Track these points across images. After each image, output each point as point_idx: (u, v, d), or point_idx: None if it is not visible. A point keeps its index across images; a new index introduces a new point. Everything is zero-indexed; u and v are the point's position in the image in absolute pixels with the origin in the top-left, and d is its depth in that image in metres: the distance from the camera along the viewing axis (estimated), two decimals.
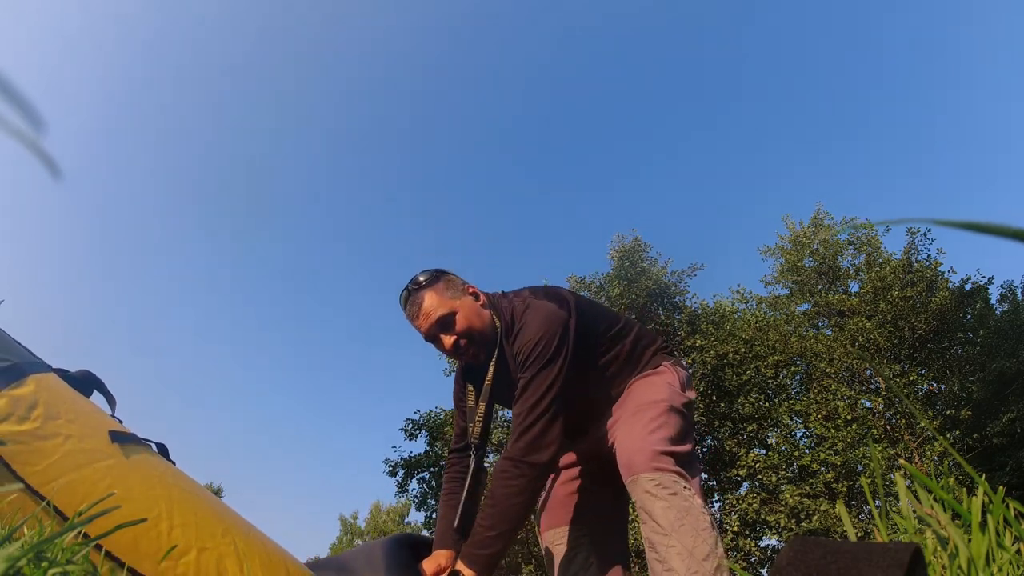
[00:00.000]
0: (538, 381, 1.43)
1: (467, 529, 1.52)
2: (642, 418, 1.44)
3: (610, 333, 1.60)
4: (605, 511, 1.67)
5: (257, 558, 1.26)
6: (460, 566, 1.37)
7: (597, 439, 1.64)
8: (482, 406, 1.59)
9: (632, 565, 1.68)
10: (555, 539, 1.65)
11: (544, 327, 1.46)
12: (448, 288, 1.56)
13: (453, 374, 1.85)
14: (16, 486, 1.07)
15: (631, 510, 1.70)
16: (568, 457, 1.74)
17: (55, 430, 1.18)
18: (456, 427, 1.77)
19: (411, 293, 1.55)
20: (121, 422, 1.43)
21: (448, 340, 1.52)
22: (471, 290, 1.60)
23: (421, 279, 1.56)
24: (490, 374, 1.56)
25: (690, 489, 1.33)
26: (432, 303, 1.52)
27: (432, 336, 1.54)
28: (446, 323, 1.51)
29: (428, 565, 1.48)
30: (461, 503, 1.57)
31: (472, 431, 1.62)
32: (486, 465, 1.70)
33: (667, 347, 1.69)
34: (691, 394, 1.58)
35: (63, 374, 1.40)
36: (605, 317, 1.64)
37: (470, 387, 1.67)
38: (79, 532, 0.97)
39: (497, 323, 1.56)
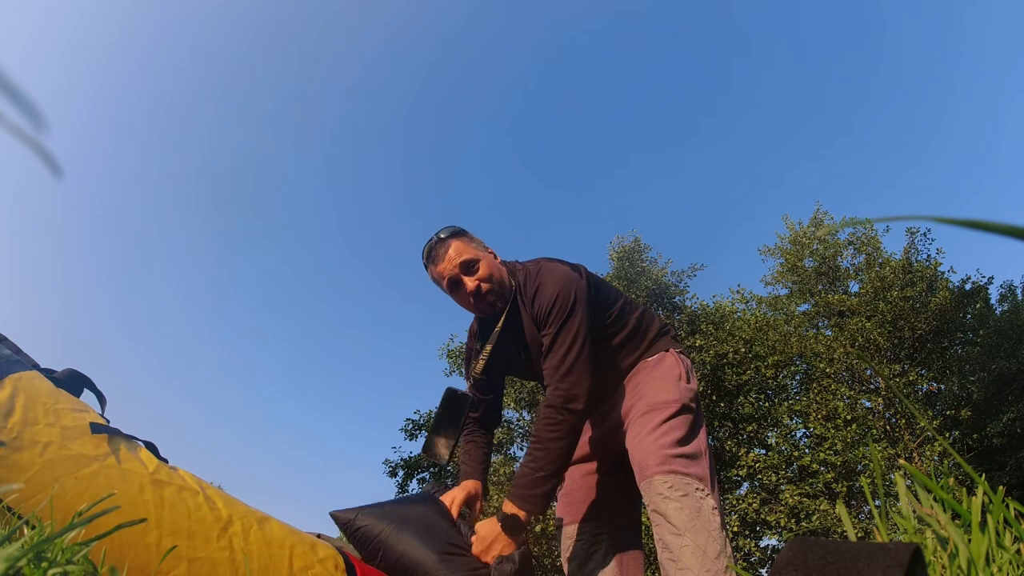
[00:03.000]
0: (565, 332, 1.50)
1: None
2: (654, 420, 1.47)
3: (618, 305, 1.67)
4: (623, 509, 1.69)
5: (257, 558, 1.23)
6: (509, 506, 1.42)
7: (611, 428, 1.66)
8: (488, 348, 1.65)
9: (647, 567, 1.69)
10: (572, 534, 1.67)
11: (560, 284, 1.54)
12: (471, 240, 1.66)
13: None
14: (15, 486, 1.05)
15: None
16: (584, 449, 1.75)
17: (33, 438, 1.10)
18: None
19: (438, 241, 1.64)
20: (109, 422, 1.36)
21: (471, 283, 1.59)
22: (489, 249, 1.70)
23: (443, 233, 1.65)
24: (500, 322, 1.63)
25: (703, 491, 1.36)
26: (459, 248, 1.62)
27: (455, 280, 1.60)
28: (470, 266, 1.60)
29: (457, 494, 1.55)
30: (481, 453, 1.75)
31: (474, 367, 1.69)
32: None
33: (669, 330, 1.75)
34: (694, 384, 1.62)
35: (48, 375, 1.32)
36: (612, 291, 1.72)
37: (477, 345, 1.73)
38: (78, 533, 0.95)
39: (512, 282, 1.64)
